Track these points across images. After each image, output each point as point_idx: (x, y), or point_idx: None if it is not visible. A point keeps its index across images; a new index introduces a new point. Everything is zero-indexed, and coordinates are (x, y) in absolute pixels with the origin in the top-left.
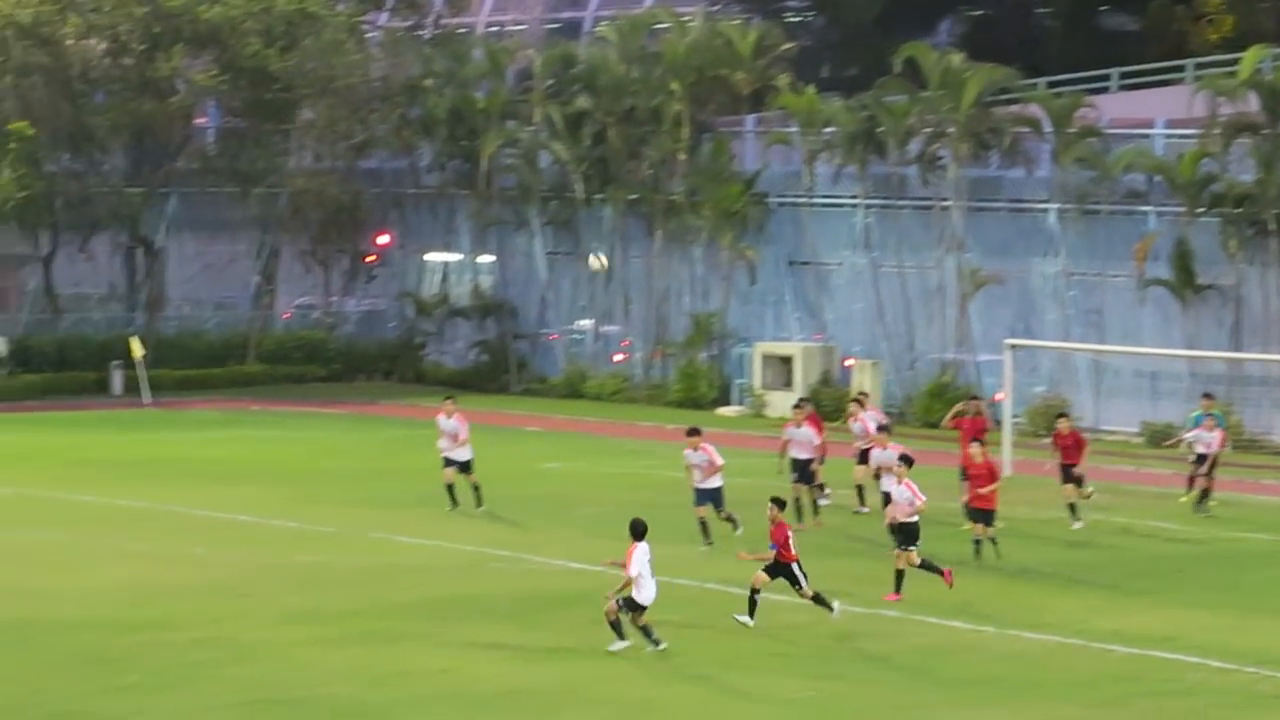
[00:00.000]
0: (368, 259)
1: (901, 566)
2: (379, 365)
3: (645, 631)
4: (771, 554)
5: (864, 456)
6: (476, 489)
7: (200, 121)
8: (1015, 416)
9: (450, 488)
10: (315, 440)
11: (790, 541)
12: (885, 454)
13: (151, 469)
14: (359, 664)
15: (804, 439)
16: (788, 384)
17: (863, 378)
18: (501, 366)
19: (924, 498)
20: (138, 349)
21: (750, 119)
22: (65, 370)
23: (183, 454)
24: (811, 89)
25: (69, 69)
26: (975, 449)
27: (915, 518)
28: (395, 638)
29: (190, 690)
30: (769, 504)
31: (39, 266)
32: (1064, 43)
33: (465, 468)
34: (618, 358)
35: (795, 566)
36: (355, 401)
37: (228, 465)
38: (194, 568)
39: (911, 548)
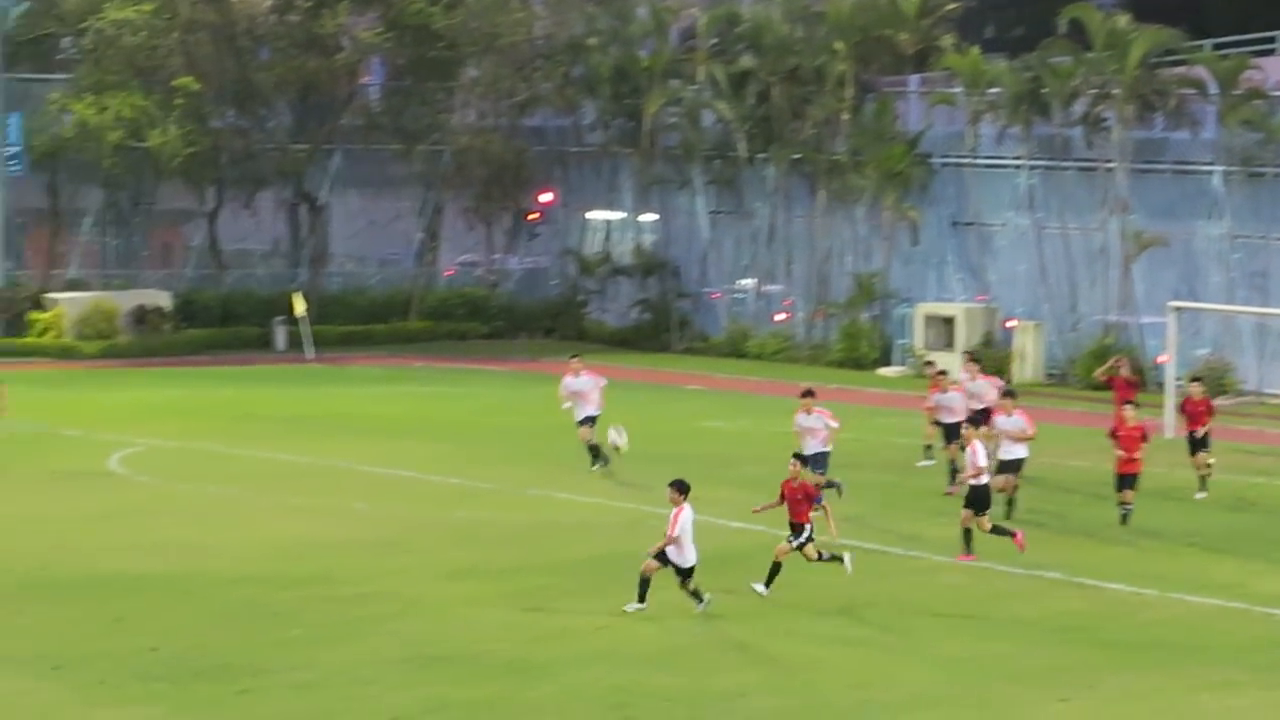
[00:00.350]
0: (530, 217)
1: (969, 526)
2: (541, 323)
3: (695, 595)
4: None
5: (976, 419)
6: (595, 449)
7: (365, 79)
8: (1177, 379)
9: (593, 448)
10: (477, 397)
11: (807, 501)
12: (1010, 420)
13: (314, 424)
14: (519, 621)
15: (950, 403)
16: (949, 345)
17: (1025, 340)
18: (663, 325)
19: (985, 463)
20: (301, 305)
21: (914, 79)
22: (229, 326)
23: (345, 409)
24: (976, 50)
25: (235, 25)
26: (1129, 412)
27: (984, 479)
28: (555, 595)
29: (353, 645)
30: (791, 460)
31: (204, 222)
32: (1229, 4)
33: (591, 422)
34: (779, 317)
35: (806, 529)
36: (517, 359)
37: (390, 421)
38: (356, 523)
39: (984, 514)
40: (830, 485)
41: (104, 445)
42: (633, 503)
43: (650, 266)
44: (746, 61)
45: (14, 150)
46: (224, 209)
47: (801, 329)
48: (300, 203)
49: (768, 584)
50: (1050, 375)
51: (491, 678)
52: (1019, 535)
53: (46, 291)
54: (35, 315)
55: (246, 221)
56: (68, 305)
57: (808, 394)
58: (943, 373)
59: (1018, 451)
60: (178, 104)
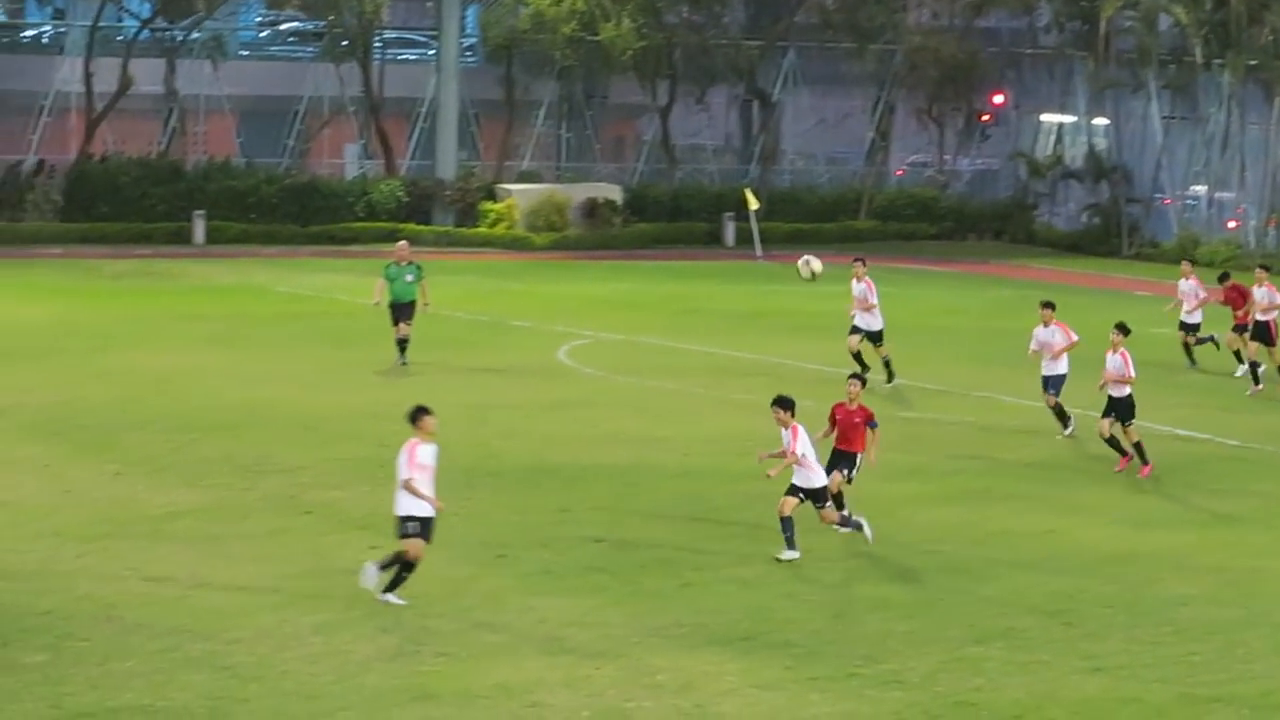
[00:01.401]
0: (982, 118)
1: (1132, 439)
2: (989, 225)
3: (845, 523)
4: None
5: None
6: (886, 364)
7: None
8: None
9: (857, 355)
10: (923, 298)
11: (864, 426)
12: None
13: (759, 321)
14: (962, 522)
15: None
16: None
17: None
18: (1112, 230)
19: (1134, 373)
20: (752, 201)
21: None
22: (678, 221)
23: (790, 306)
24: None
25: None
26: None
27: (1128, 390)
28: (999, 498)
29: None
30: (849, 380)
31: (656, 117)
32: None
33: (875, 338)
34: (1231, 225)
35: (858, 458)
36: (965, 260)
37: (836, 319)
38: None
39: (1130, 423)
40: (1058, 412)
41: (552, 337)
42: (1078, 408)
43: (1101, 171)
44: None
45: (470, 42)
46: (676, 104)
47: (1253, 237)
48: (752, 99)
49: (843, 523)
50: None
51: (932, 578)
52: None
53: (499, 183)
54: (488, 206)
55: (698, 117)
56: (520, 197)
57: (1047, 305)
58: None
59: None
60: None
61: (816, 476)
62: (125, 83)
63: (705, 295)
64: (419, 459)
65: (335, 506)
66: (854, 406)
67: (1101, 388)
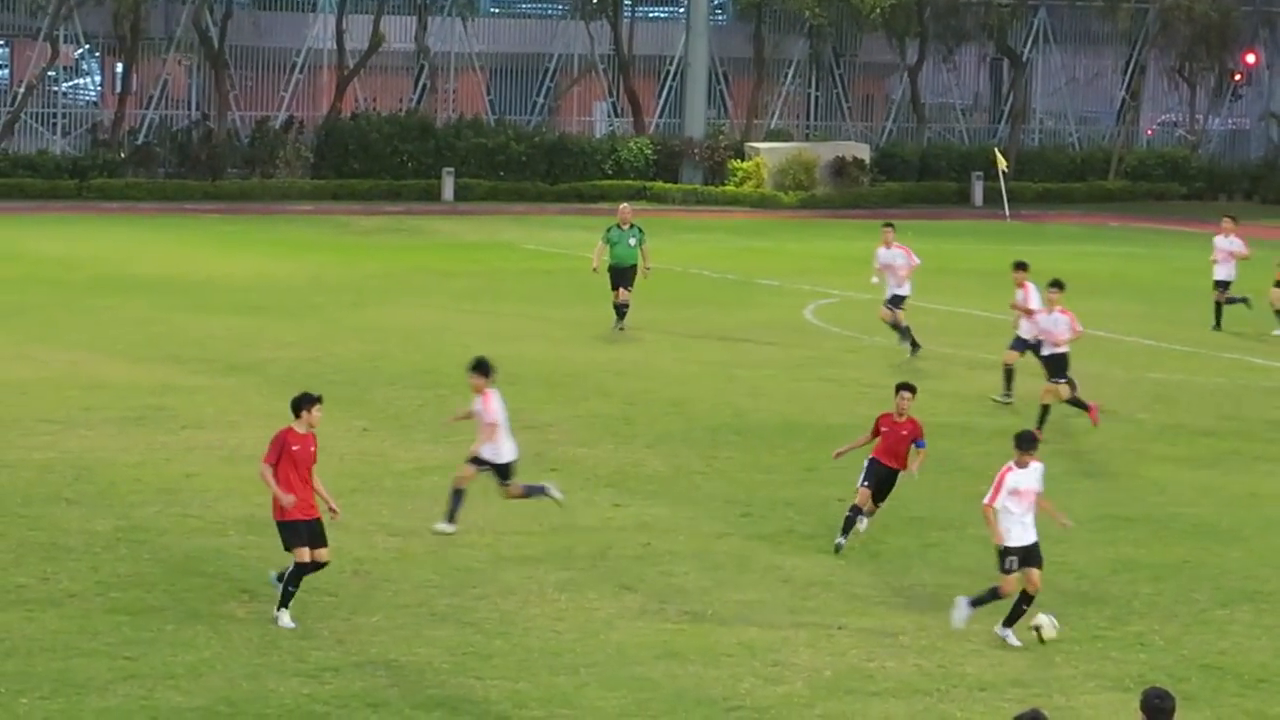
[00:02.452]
0: (1234, 77)
1: (1047, 401)
2: (1241, 185)
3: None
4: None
5: None
6: (908, 330)
7: None
8: None
9: (901, 329)
10: (1173, 258)
11: (909, 444)
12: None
13: (1006, 280)
14: (1212, 484)
15: None
16: None
17: None
18: None
19: (1081, 328)
20: (1001, 161)
21: None
22: (926, 179)
23: (1039, 267)
24: None
25: None
26: None
27: (1064, 349)
28: (1249, 460)
29: None
30: (898, 392)
31: (905, 76)
32: None
33: (896, 301)
34: None
35: (898, 477)
36: (1216, 221)
37: (1084, 279)
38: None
39: (1061, 380)
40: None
41: (799, 295)
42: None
43: None
44: None
45: (719, 0)
46: (925, 62)
47: None
48: (1002, 58)
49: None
50: None
51: (1179, 540)
52: (1093, 408)
53: (748, 141)
54: (735, 165)
55: (947, 76)
56: (768, 155)
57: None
58: None
59: None
60: None
61: (506, 451)
62: (376, 40)
63: (954, 255)
64: None
65: (581, 464)
66: (902, 419)
67: (1038, 343)
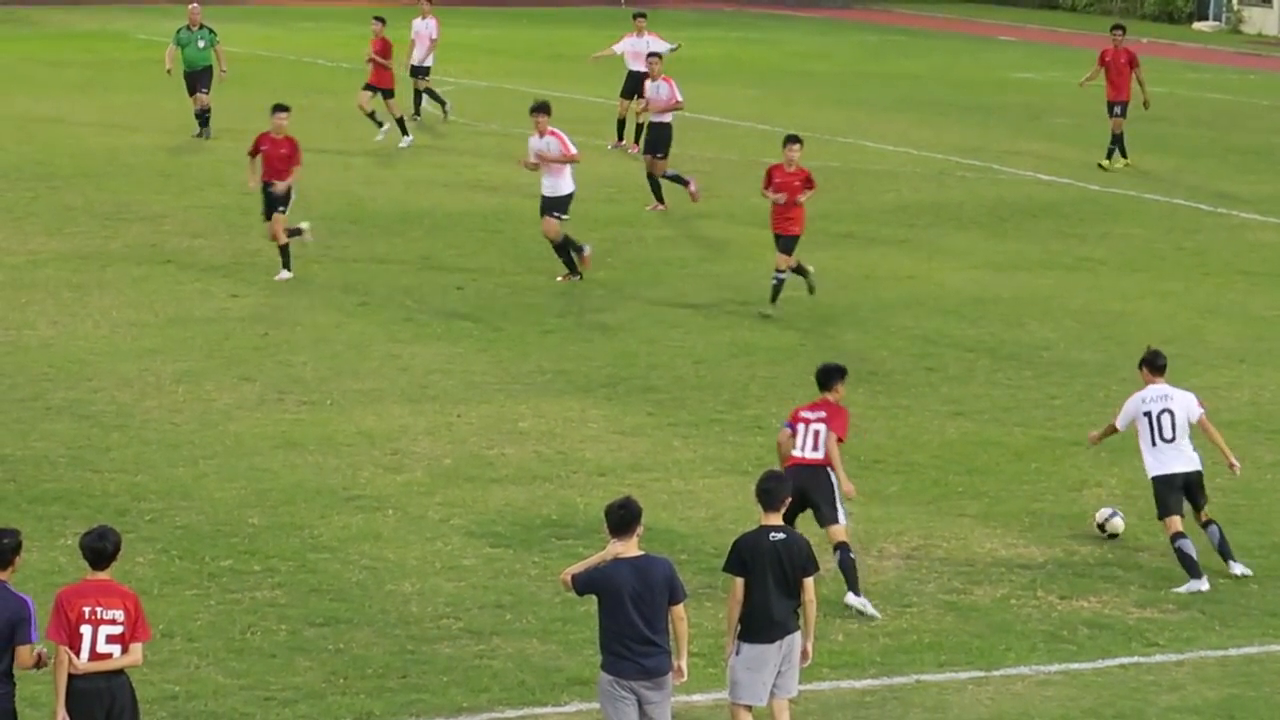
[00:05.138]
0: None
1: (654, 172)
2: None
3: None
4: None
5: None
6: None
7: None
8: None
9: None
10: (786, 43)
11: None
12: None
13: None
14: (827, 266)
15: None
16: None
17: None
18: None
19: (681, 98)
20: None
21: None
22: None
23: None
24: None
25: None
26: None
27: (668, 118)
28: (864, 242)
29: (659, 288)
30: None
31: None
32: None
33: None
34: None
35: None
36: (828, 7)
37: (700, 65)
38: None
39: (660, 155)
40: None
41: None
42: (941, 153)
43: None
44: None
45: None
46: None
47: None
48: None
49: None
50: None
51: (795, 323)
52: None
53: None
54: None
55: None
56: None
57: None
58: None
59: None
60: None
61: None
62: None
63: (567, 40)
64: None
65: (197, 254)
66: (793, 170)
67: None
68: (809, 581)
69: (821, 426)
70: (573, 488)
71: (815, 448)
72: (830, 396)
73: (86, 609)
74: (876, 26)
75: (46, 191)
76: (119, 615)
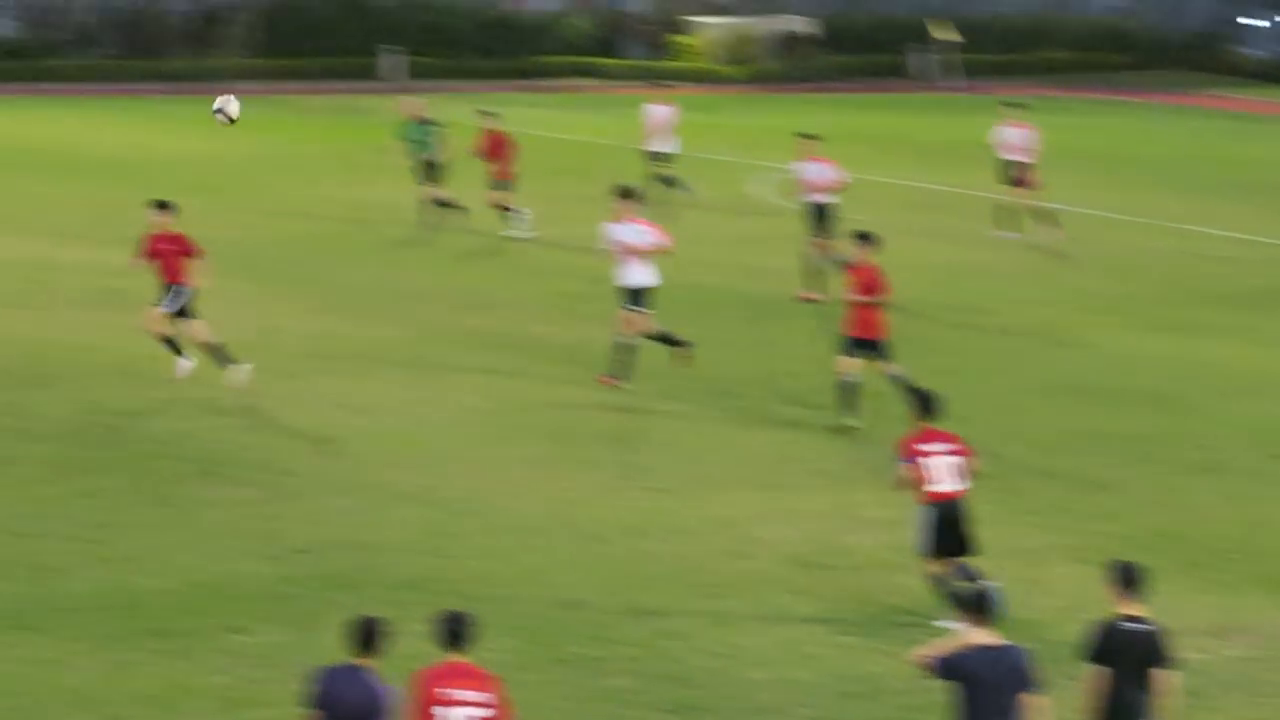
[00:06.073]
0: None
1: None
2: (1184, 55)
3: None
4: None
5: None
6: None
7: None
8: None
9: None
10: (1116, 128)
11: None
12: None
13: (953, 151)
14: (1166, 354)
15: None
16: None
17: None
18: None
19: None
20: (948, 32)
21: None
22: (873, 53)
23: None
24: None
25: None
26: None
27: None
28: (1203, 330)
29: (1003, 376)
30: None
31: None
32: None
33: (662, 159)
34: None
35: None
36: (1161, 91)
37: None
38: (997, 251)
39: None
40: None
41: (741, 170)
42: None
43: None
44: None
45: None
46: None
47: None
48: None
49: None
50: None
51: (1138, 408)
52: None
53: (688, 15)
54: (677, 39)
55: None
56: (707, 30)
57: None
58: None
59: None
60: None
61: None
62: None
63: (902, 126)
64: None
65: (545, 341)
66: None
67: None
68: (1166, 674)
69: (956, 458)
70: (919, 575)
71: (957, 478)
72: (934, 425)
73: (444, 690)
74: (1209, 111)
75: (391, 276)
76: (485, 698)
